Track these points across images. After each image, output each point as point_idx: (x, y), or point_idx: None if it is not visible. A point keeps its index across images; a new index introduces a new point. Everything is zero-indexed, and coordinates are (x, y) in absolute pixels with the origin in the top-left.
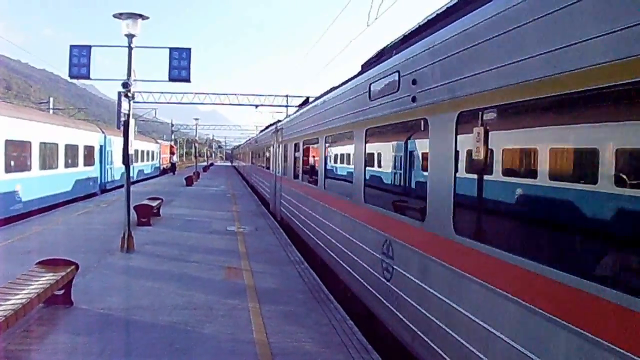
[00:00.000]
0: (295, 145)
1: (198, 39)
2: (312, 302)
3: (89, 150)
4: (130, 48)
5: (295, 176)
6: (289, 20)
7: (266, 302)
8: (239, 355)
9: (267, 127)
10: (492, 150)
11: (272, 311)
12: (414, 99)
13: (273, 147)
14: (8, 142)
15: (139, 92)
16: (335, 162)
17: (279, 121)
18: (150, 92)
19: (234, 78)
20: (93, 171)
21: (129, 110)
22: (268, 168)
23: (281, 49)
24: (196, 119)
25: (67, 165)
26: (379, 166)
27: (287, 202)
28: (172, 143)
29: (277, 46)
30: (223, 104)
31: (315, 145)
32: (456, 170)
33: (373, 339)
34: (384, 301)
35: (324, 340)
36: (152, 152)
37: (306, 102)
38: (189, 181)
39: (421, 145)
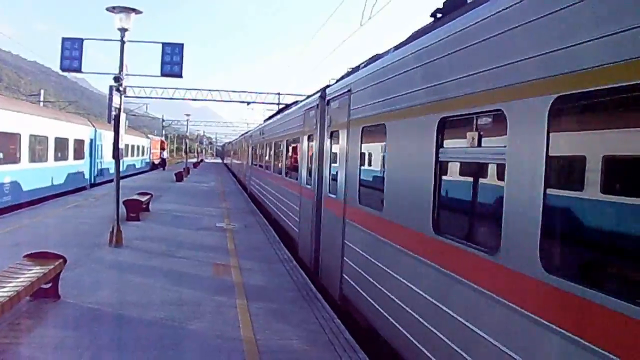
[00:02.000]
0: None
1: (191, 36)
2: (300, 301)
3: (79, 143)
4: (122, 42)
5: (439, 228)
6: (282, 20)
7: (254, 300)
8: (226, 352)
9: (283, 109)
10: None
11: (260, 308)
12: None
13: (314, 139)
14: None
15: (131, 86)
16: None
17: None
18: (142, 87)
19: (226, 75)
20: (83, 165)
21: (120, 105)
22: (293, 178)
23: (273, 48)
24: (187, 115)
25: (56, 159)
26: None
27: (382, 280)
28: (163, 138)
29: (270, 45)
30: (214, 100)
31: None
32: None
33: (360, 338)
34: None
35: (312, 338)
36: (143, 147)
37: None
38: (179, 177)
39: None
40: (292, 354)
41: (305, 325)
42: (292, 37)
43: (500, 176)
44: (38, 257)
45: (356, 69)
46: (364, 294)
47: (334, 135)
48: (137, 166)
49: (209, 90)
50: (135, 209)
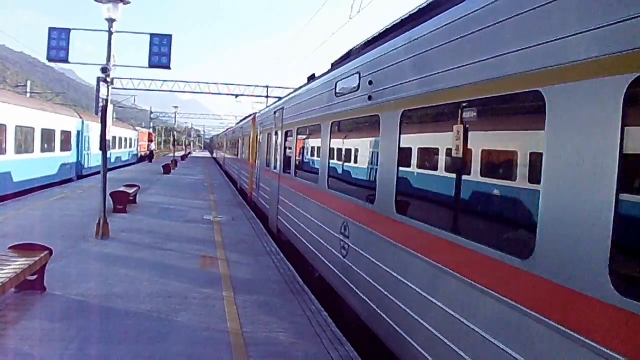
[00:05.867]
0: None
1: (179, 27)
2: (287, 293)
3: (66, 135)
4: (110, 33)
5: None
6: (272, 11)
7: (241, 292)
8: (213, 344)
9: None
10: None
11: (247, 301)
12: None
13: None
14: None
15: (119, 78)
16: None
17: None
18: (130, 79)
19: (214, 67)
20: (70, 157)
21: (108, 96)
22: None
23: (263, 39)
24: (176, 107)
25: (43, 150)
26: None
27: None
28: (151, 131)
29: (259, 37)
30: (203, 93)
31: None
32: None
33: (347, 331)
34: None
35: (298, 331)
36: (130, 139)
37: None
38: (167, 169)
39: None
40: (279, 346)
41: (293, 318)
42: (282, 29)
43: None
44: (24, 249)
45: None
46: None
47: None
48: (124, 158)
49: (197, 82)
50: (122, 201)
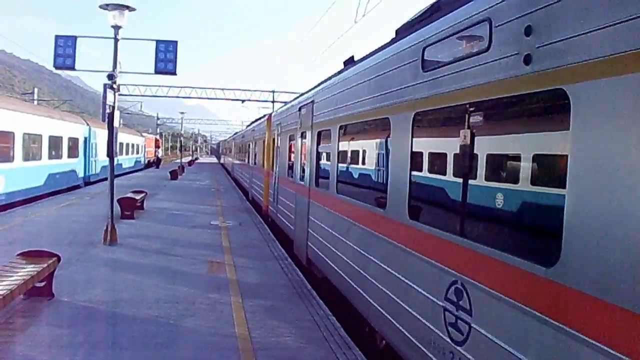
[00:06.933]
0: None
1: (178, 29)
2: (295, 298)
3: (73, 142)
4: (116, 40)
5: None
6: (278, 14)
7: (249, 297)
8: (221, 350)
9: None
10: None
11: (255, 306)
12: None
13: None
14: None
15: (125, 84)
16: None
17: None
18: (136, 85)
19: (215, 68)
20: (77, 163)
21: (114, 102)
22: None
23: (262, 39)
24: (182, 113)
25: (50, 157)
26: None
27: None
28: (157, 137)
29: (259, 37)
30: (209, 98)
31: None
32: None
33: (355, 335)
34: None
35: (306, 335)
36: (137, 145)
37: None
38: (174, 175)
39: None
40: (287, 350)
41: (300, 322)
42: (287, 33)
43: None
44: (32, 256)
45: None
46: None
47: None
48: (131, 164)
49: (203, 88)
50: (130, 207)
